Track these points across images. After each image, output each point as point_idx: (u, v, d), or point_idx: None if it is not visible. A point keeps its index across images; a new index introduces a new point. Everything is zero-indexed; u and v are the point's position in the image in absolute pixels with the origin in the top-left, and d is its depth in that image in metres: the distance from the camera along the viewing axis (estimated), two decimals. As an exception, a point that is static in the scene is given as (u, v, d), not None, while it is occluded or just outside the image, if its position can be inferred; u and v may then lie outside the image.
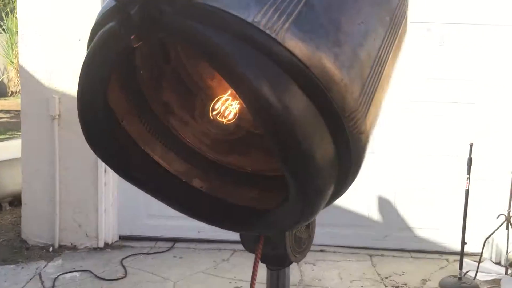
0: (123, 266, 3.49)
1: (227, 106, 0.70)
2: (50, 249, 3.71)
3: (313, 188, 0.56)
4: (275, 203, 0.75)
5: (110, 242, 3.88)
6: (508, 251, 3.43)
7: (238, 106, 0.70)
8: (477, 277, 3.30)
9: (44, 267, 3.44)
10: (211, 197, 0.77)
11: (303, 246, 0.79)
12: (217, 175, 0.81)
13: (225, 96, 0.69)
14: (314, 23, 0.53)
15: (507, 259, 3.40)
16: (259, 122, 0.54)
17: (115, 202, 3.92)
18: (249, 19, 0.51)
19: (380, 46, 0.62)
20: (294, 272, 3.52)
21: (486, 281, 3.34)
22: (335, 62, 0.53)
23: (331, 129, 0.55)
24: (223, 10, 0.52)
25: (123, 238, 3.96)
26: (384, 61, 0.63)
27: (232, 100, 0.69)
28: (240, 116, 0.71)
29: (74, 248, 3.77)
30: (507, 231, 3.29)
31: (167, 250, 3.80)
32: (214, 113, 0.70)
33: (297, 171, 0.55)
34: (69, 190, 3.76)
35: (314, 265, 3.65)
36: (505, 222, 3.25)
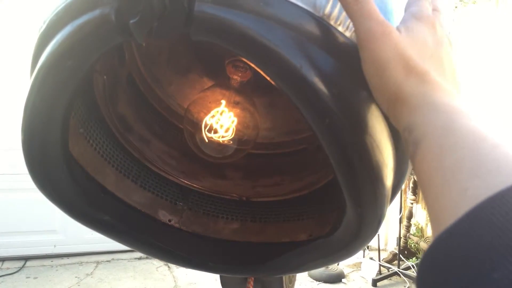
0: (-38, 297, 2.92)
1: (220, 122, 0.55)
2: None
3: (377, 211, 0.44)
4: (265, 236, 0.64)
5: None
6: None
7: (236, 119, 0.56)
8: (340, 263, 3.56)
9: None
10: (190, 234, 0.62)
11: (292, 278, 0.68)
12: (187, 204, 0.65)
13: (221, 108, 0.55)
14: None
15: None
16: (311, 122, 0.39)
17: None
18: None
19: None
20: (168, 279, 3.36)
21: (348, 265, 3.62)
22: None
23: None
24: None
25: (-44, 263, 3.31)
26: None
27: (229, 112, 0.55)
28: (238, 136, 0.57)
29: None
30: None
31: (17, 271, 3.27)
32: (206, 130, 0.55)
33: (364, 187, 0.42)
34: None
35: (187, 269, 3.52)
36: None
